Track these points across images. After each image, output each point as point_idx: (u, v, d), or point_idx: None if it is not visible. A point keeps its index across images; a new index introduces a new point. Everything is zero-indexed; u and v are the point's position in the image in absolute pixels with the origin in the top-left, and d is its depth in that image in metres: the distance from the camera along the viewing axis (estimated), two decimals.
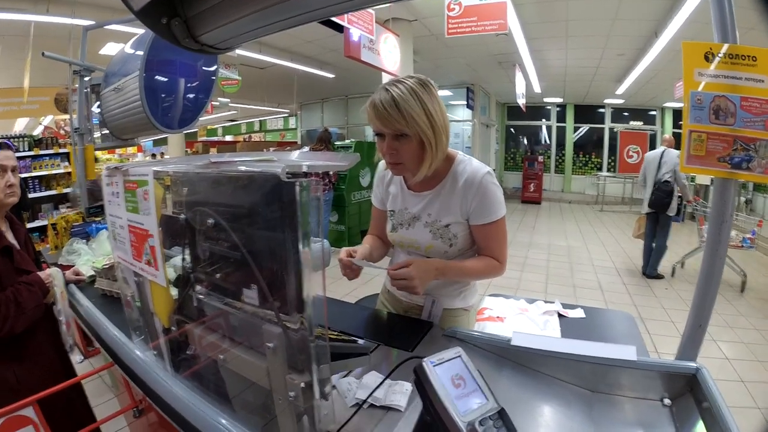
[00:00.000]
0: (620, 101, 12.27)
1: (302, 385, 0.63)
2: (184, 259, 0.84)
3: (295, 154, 0.66)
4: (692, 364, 0.98)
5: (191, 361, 0.98)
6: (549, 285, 5.14)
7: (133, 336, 1.23)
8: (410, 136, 1.14)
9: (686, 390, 0.97)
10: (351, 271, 1.24)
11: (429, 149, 1.16)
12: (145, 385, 1.07)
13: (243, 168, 0.56)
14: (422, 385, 0.61)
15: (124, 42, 2.52)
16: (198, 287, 0.82)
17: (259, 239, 0.62)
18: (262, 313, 0.64)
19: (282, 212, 0.54)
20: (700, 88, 1.39)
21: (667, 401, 0.97)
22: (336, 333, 0.71)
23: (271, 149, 11.62)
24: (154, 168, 0.83)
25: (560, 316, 1.57)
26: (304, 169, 0.52)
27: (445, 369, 0.62)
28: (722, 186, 1.32)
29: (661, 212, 5.21)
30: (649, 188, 5.32)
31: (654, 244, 5.40)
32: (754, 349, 3.52)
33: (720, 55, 1.33)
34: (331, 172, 5.59)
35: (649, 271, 5.34)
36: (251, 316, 0.67)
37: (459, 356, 0.64)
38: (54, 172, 5.40)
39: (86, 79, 2.80)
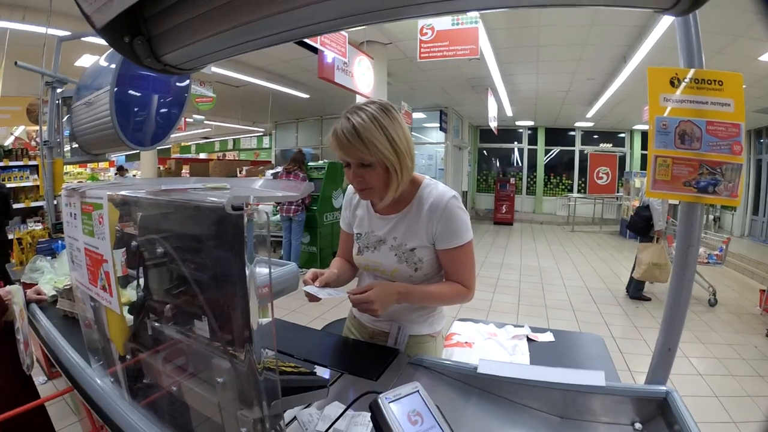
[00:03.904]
0: (590, 124, 12.59)
1: (253, 421, 0.60)
2: (138, 286, 0.81)
3: (252, 182, 0.64)
4: (662, 388, 0.98)
5: (148, 390, 0.94)
6: (521, 306, 5.12)
7: (92, 360, 1.18)
8: (374, 164, 1.14)
9: (657, 413, 0.96)
10: (310, 294, 1.21)
11: (394, 174, 1.16)
12: (103, 412, 1.03)
13: (189, 198, 0.55)
14: (377, 422, 0.59)
15: (100, 54, 2.47)
16: (152, 315, 0.79)
17: (207, 269, 0.60)
18: (213, 346, 0.61)
19: (227, 243, 0.52)
20: (665, 114, 1.40)
21: (638, 425, 0.96)
22: (293, 366, 0.69)
23: (245, 168, 11.45)
24: (109, 192, 0.80)
25: (529, 340, 1.56)
26: (251, 201, 0.50)
27: (401, 405, 0.60)
28: (689, 210, 1.33)
29: (641, 235, 5.25)
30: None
31: None
32: (727, 364, 3.57)
33: (686, 80, 1.35)
34: None
35: (633, 293, 5.33)
36: (203, 348, 0.64)
37: (416, 391, 0.62)
38: (23, 184, 5.25)
39: (58, 91, 2.74)
